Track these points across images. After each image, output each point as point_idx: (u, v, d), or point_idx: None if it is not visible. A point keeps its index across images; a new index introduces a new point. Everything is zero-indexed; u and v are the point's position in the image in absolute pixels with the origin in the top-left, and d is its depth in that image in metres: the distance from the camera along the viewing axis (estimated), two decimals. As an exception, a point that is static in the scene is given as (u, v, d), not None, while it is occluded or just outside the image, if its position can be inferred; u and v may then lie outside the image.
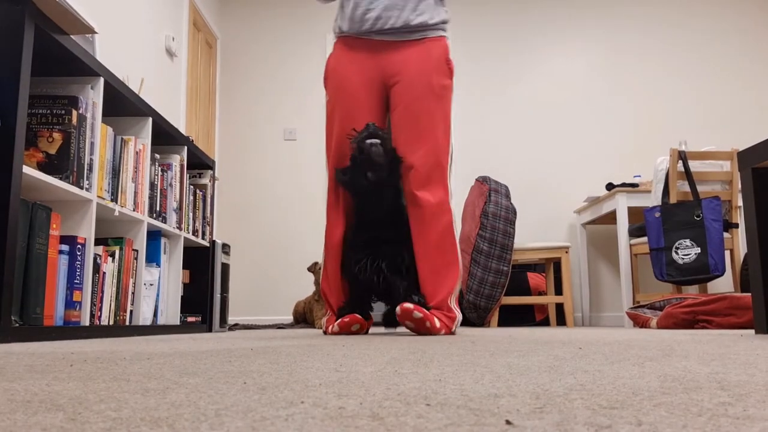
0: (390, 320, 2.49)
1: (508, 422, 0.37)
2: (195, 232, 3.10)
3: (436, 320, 2.13)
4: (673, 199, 3.63)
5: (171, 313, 2.76)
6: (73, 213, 2.02)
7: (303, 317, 4.42)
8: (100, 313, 2.15)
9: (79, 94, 2.00)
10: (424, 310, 2.09)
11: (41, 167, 1.87)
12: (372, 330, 2.89)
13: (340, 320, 2.23)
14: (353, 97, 2.39)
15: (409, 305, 2.09)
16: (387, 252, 2.26)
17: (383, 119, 2.45)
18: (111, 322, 2.23)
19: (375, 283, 2.27)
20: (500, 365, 0.77)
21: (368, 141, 2.20)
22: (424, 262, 2.28)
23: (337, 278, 2.39)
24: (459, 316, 2.28)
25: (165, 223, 2.70)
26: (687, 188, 3.66)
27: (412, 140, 2.30)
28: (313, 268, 4.21)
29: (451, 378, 0.62)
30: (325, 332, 2.35)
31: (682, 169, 3.66)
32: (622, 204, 4.13)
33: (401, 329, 2.65)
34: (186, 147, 2.97)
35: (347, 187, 2.34)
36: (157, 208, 2.64)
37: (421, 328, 2.10)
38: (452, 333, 2.23)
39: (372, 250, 2.27)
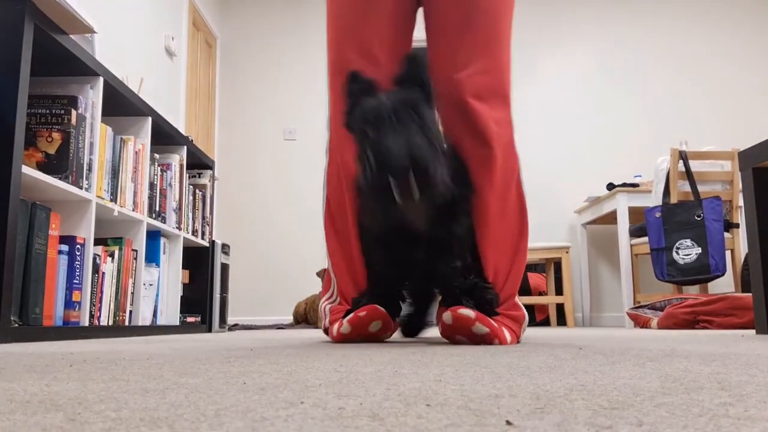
0: (414, 325, 1.70)
1: (508, 423, 0.37)
2: (194, 232, 3.10)
3: (506, 334, 1.36)
4: (673, 199, 3.63)
5: (170, 314, 2.76)
6: (73, 213, 2.02)
7: (304, 318, 4.42)
8: (100, 314, 2.15)
9: (78, 93, 2.00)
10: (490, 322, 1.30)
11: (40, 167, 1.87)
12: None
13: (352, 314, 1.39)
14: None
15: (467, 312, 1.28)
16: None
17: (408, 26, 1.58)
18: (110, 323, 2.22)
19: (412, 263, 1.41)
20: (500, 365, 0.77)
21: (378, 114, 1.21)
22: (483, 226, 1.45)
23: (356, 239, 1.52)
24: (526, 316, 1.54)
25: (164, 223, 2.70)
26: (688, 188, 3.66)
27: (464, 48, 1.47)
28: (322, 274, 4.16)
29: (451, 378, 0.62)
30: (327, 332, 1.59)
31: (683, 169, 3.66)
32: (622, 204, 4.13)
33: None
34: (185, 147, 2.97)
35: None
36: (157, 208, 2.64)
37: (482, 344, 1.32)
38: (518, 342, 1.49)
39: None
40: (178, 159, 2.89)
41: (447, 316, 1.30)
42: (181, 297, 2.85)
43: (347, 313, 1.45)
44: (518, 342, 1.46)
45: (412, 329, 1.72)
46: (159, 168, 2.68)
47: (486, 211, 1.46)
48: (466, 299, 1.36)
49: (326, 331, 1.59)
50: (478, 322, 1.28)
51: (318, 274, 4.22)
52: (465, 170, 1.45)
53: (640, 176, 4.56)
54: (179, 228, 2.86)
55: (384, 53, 1.51)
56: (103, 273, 2.18)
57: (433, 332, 1.78)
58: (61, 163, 1.91)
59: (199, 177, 3.30)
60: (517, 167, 1.55)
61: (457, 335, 1.32)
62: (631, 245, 4.04)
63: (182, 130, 4.44)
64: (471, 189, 1.45)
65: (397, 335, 1.74)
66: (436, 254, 1.38)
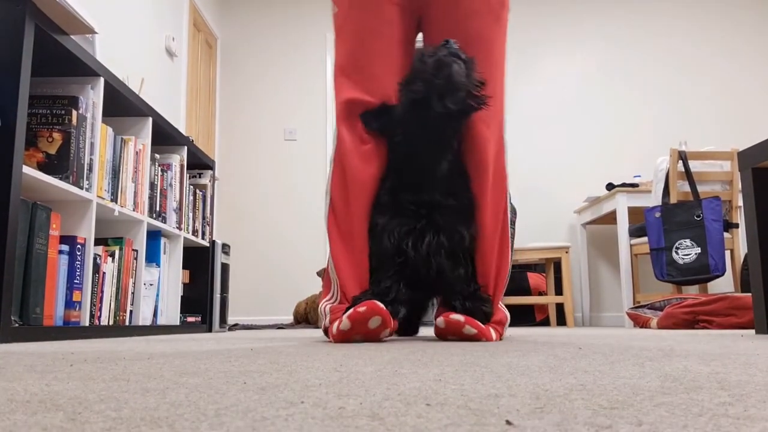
0: (410, 327, 1.93)
1: (508, 422, 0.37)
2: (195, 232, 3.10)
3: (493, 334, 1.57)
4: (673, 199, 3.63)
5: (171, 313, 2.76)
6: (73, 213, 2.02)
7: (304, 317, 4.42)
8: (100, 313, 2.15)
9: (79, 94, 2.00)
10: (478, 324, 1.50)
11: (41, 167, 1.87)
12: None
13: (351, 310, 1.44)
14: (373, 14, 1.67)
15: (458, 317, 1.50)
16: (443, 224, 1.58)
17: (409, 54, 1.73)
18: (111, 322, 2.22)
19: (424, 270, 1.56)
20: (500, 365, 0.77)
21: (450, 59, 1.50)
22: (481, 240, 1.66)
23: (360, 242, 1.63)
24: (508, 317, 1.73)
25: (165, 223, 2.70)
26: (687, 188, 3.66)
27: None
28: (322, 274, 4.14)
29: (451, 378, 0.62)
30: (327, 332, 1.62)
31: (683, 169, 3.66)
32: (622, 204, 4.13)
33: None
34: (186, 147, 2.97)
35: (395, 125, 1.62)
36: (157, 208, 2.64)
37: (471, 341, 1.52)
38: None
39: (423, 218, 1.58)
40: (178, 159, 2.89)
41: (440, 321, 1.52)
42: (182, 297, 2.85)
43: (347, 310, 1.50)
44: (501, 339, 1.67)
45: (408, 330, 1.92)
46: (159, 168, 2.68)
47: (483, 226, 1.66)
48: (461, 304, 1.56)
49: (326, 331, 1.63)
50: (468, 325, 1.49)
51: (318, 273, 4.22)
52: (470, 182, 1.67)
53: (639, 176, 4.56)
54: (179, 228, 2.86)
55: (386, 68, 1.68)
56: (104, 273, 2.18)
57: (427, 331, 1.98)
58: (61, 164, 1.91)
59: (200, 177, 3.30)
60: (506, 192, 1.73)
61: (449, 335, 1.53)
62: (631, 245, 4.04)
63: (183, 130, 4.44)
64: (474, 198, 1.66)
65: (396, 335, 1.86)
66: (445, 260, 1.57)
